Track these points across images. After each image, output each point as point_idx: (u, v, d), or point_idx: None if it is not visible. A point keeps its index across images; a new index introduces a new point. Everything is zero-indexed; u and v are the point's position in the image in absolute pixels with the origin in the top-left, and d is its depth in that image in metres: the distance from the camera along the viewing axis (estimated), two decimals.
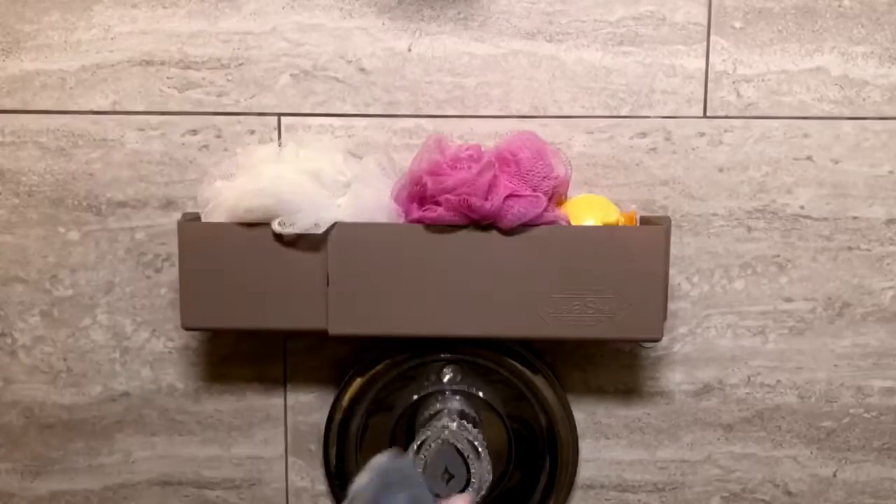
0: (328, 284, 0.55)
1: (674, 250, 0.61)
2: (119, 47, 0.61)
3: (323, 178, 0.55)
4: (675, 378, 0.64)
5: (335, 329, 0.56)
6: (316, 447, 0.65)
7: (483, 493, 0.54)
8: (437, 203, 0.54)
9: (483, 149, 0.57)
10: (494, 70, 0.61)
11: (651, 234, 0.55)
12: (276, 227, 0.54)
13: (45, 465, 0.66)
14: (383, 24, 0.61)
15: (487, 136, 0.61)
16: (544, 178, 0.54)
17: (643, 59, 0.61)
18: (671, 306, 0.62)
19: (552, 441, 0.62)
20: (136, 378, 0.65)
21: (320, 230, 0.54)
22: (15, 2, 0.61)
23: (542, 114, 0.61)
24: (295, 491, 0.66)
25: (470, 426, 0.56)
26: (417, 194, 0.55)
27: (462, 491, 0.54)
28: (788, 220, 0.62)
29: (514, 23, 0.61)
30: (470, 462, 0.54)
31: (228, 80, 0.61)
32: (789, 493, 0.65)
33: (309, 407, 0.65)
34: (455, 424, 0.56)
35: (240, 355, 0.64)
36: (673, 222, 0.61)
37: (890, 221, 0.62)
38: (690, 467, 0.65)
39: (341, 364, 0.64)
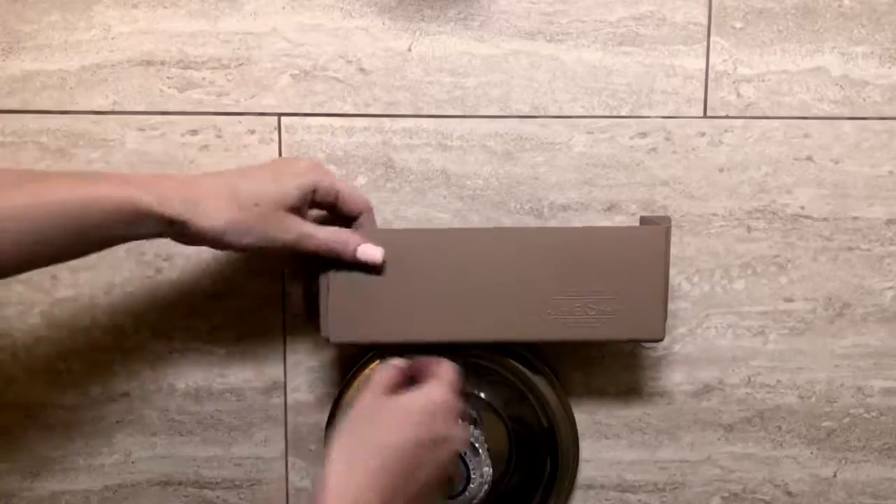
0: (328, 293, 0.55)
1: (674, 250, 0.61)
2: (119, 47, 0.61)
3: None
4: (675, 378, 0.64)
5: (335, 338, 0.56)
6: (316, 447, 0.65)
7: (483, 493, 0.54)
8: None
9: None
10: (495, 70, 0.61)
11: (652, 234, 0.55)
12: None
13: (45, 465, 0.66)
14: (383, 24, 0.61)
15: (487, 136, 0.61)
16: None
17: (643, 60, 0.61)
18: (671, 306, 0.62)
19: (553, 441, 0.62)
20: (136, 378, 0.65)
21: None
22: (15, 2, 0.61)
23: (543, 114, 0.61)
24: (295, 491, 0.66)
25: (471, 427, 0.56)
26: None
27: (461, 492, 0.54)
28: (788, 220, 0.62)
29: (515, 23, 0.61)
30: (470, 463, 0.54)
31: (229, 81, 0.61)
32: (789, 494, 0.66)
33: (309, 407, 0.65)
34: None
35: (240, 355, 0.64)
36: (673, 222, 0.62)
37: (890, 221, 0.62)
38: (691, 467, 0.65)
39: (341, 364, 0.64)
